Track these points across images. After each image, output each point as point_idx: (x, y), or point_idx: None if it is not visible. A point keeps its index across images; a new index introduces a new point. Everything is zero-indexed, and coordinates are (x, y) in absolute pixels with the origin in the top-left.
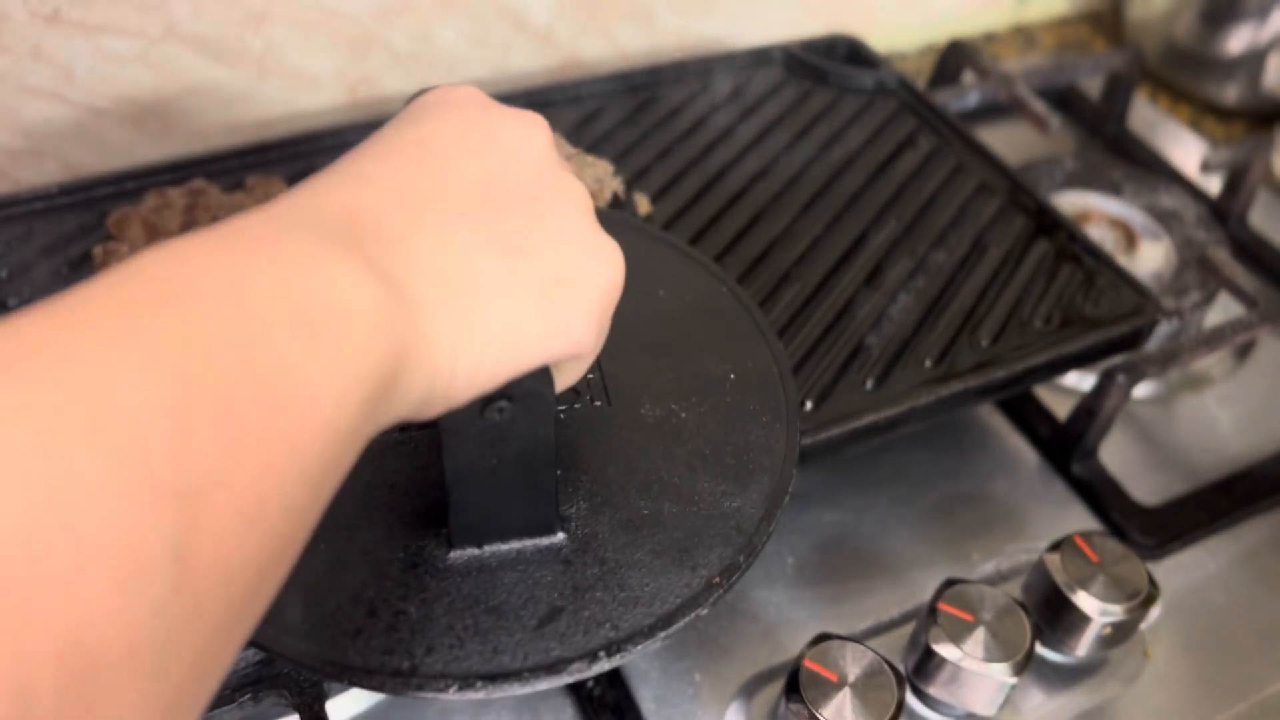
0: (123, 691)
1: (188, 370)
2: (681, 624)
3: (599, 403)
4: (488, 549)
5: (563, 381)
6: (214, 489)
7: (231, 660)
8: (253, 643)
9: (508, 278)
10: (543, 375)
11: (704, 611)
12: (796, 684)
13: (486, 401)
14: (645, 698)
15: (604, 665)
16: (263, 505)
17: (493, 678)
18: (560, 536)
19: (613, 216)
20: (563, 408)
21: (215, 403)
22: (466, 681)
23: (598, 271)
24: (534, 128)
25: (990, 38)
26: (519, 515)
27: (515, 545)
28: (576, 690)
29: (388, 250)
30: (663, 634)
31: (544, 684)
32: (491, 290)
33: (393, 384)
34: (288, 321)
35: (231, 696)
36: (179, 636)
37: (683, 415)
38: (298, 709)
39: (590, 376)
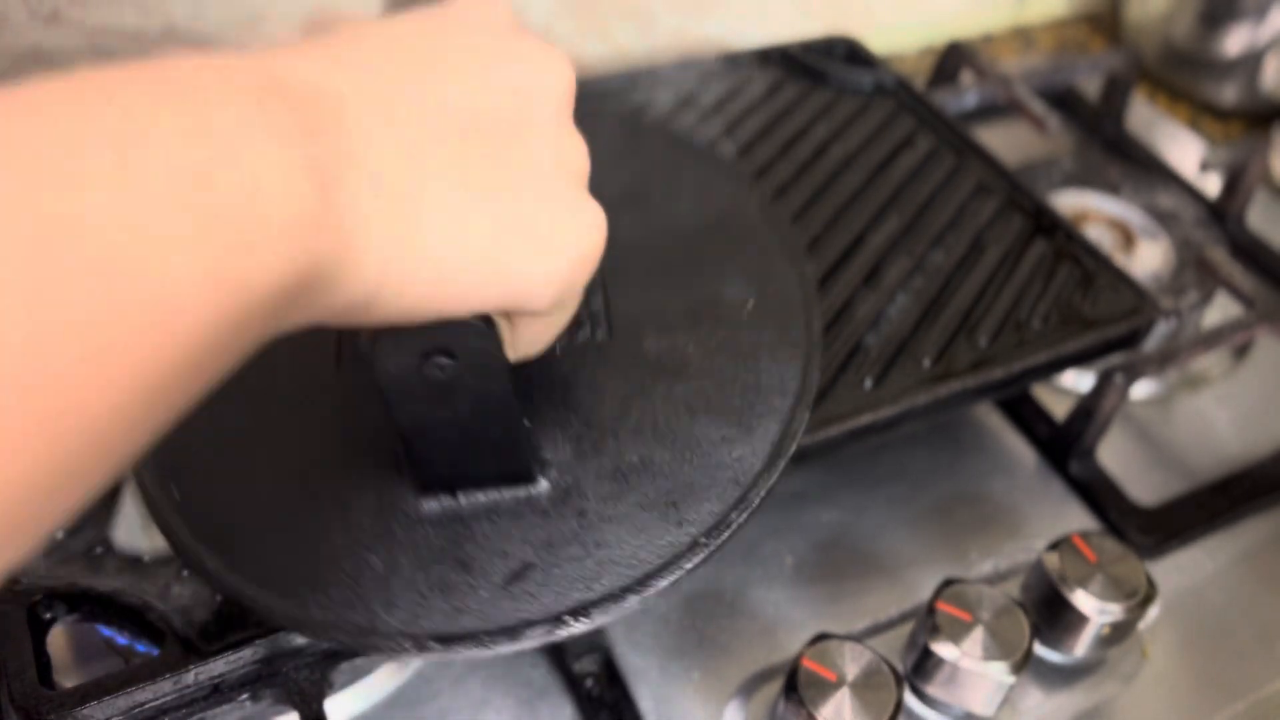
0: None
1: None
2: (660, 587)
3: (600, 334)
4: (463, 498)
5: (530, 339)
6: None
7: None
8: (221, 591)
9: (464, 212)
10: (486, 332)
11: (684, 574)
12: (795, 683)
13: (425, 355)
14: (644, 696)
15: (570, 630)
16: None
17: (448, 640)
18: (542, 485)
19: (644, 123)
20: (561, 341)
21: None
22: (421, 642)
23: (570, 235)
24: (554, 73)
25: (989, 39)
26: (490, 465)
27: (493, 495)
28: (575, 688)
29: (336, 150)
30: (636, 597)
31: (505, 649)
32: (440, 217)
33: (301, 293)
34: (175, 192)
35: (231, 696)
36: None
37: (689, 349)
38: (297, 708)
39: (594, 306)
